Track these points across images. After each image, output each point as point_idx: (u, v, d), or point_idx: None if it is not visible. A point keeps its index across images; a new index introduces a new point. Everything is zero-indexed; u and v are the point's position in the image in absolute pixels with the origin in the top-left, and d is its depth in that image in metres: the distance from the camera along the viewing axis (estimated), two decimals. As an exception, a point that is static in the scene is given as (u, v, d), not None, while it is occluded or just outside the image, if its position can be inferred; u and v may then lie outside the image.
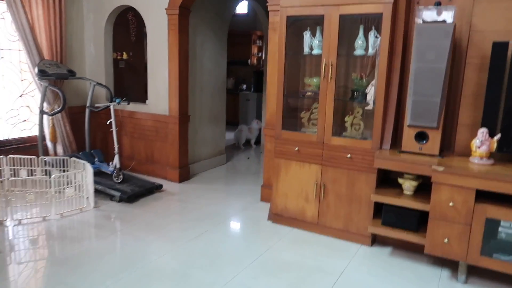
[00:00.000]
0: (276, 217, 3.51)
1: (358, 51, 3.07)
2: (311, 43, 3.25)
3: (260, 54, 9.13)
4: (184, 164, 4.67)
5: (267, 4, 3.71)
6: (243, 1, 5.75)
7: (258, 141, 6.89)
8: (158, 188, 4.23)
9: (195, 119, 4.83)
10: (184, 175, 4.68)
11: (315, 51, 3.24)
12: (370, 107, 3.09)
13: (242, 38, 8.63)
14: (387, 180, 3.19)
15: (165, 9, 4.32)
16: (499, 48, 2.54)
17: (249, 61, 8.94)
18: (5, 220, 3.32)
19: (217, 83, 5.27)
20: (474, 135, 2.78)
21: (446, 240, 2.57)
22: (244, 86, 9.03)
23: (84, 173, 3.72)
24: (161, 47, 4.46)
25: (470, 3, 2.76)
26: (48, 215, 3.44)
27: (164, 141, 4.63)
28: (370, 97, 3.06)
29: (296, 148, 3.28)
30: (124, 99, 4.26)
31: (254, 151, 6.60)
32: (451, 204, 2.52)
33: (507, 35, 2.62)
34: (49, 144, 4.58)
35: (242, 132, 6.62)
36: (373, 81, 3.05)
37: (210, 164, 5.28)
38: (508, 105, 2.58)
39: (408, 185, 2.90)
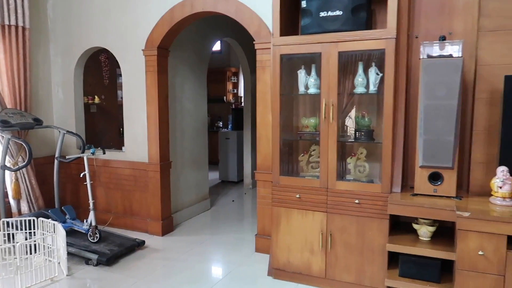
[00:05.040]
0: (278, 272, 3.16)
1: (359, 89, 2.89)
2: (306, 82, 3.04)
3: (235, 91, 8.96)
4: (167, 215, 4.26)
5: (254, 42, 3.51)
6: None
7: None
8: (139, 245, 3.78)
9: (176, 165, 4.47)
10: (167, 227, 4.26)
11: (311, 90, 3.03)
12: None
13: (217, 75, 8.47)
14: (397, 224, 2.94)
15: (142, 50, 4.04)
16: (511, 81, 2.42)
17: (224, 98, 8.74)
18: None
19: (198, 124, 4.98)
20: (489, 173, 2.61)
21: (477, 293, 2.31)
22: (221, 124, 8.78)
23: (55, 235, 3.24)
24: (139, 90, 4.14)
25: (474, 36, 2.66)
26: (13, 291, 2.93)
27: (144, 191, 4.21)
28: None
29: (298, 195, 2.99)
30: (99, 148, 3.85)
31: (238, 191, 6.25)
32: (480, 253, 2.28)
33: (517, 68, 2.51)
34: (11, 201, 4.06)
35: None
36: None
37: (194, 211, 4.89)
38: (525, 140, 2.44)
39: (425, 230, 2.66)
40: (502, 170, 2.42)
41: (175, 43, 4.29)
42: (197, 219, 4.79)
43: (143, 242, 3.81)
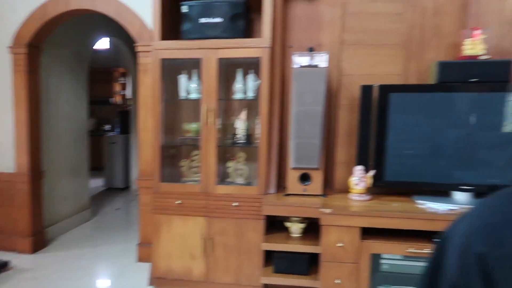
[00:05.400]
0: (159, 281, 3.09)
1: (238, 95, 2.99)
2: (188, 87, 3.05)
3: (124, 92, 8.55)
4: (38, 230, 3.85)
5: (134, 44, 3.40)
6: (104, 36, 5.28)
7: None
8: (3, 266, 3.35)
9: (51, 174, 4.08)
10: (39, 243, 3.86)
11: (193, 95, 3.04)
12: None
13: (103, 75, 8.00)
14: (274, 223, 3.10)
15: (9, 47, 3.61)
16: (366, 90, 2.74)
17: (111, 99, 8.29)
18: None
19: (77, 129, 4.62)
20: (350, 171, 2.91)
21: (338, 281, 2.56)
22: (108, 127, 8.28)
23: None
24: (3, 91, 3.69)
25: (339, 49, 2.95)
26: None
27: (9, 205, 3.75)
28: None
29: (179, 201, 2.97)
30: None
31: (125, 198, 5.97)
32: (340, 244, 2.53)
33: (370, 78, 2.86)
34: None
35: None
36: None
37: (73, 223, 4.52)
38: (377, 141, 2.77)
39: (296, 228, 2.86)
40: (358, 169, 2.73)
41: (50, 40, 3.93)
42: (76, 231, 4.44)
43: (6, 263, 3.37)
